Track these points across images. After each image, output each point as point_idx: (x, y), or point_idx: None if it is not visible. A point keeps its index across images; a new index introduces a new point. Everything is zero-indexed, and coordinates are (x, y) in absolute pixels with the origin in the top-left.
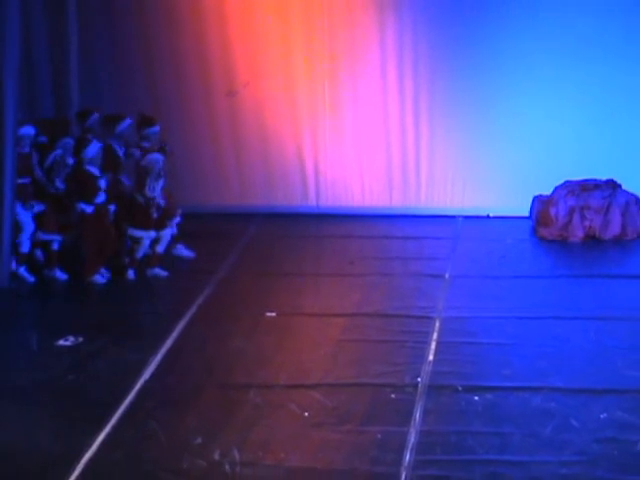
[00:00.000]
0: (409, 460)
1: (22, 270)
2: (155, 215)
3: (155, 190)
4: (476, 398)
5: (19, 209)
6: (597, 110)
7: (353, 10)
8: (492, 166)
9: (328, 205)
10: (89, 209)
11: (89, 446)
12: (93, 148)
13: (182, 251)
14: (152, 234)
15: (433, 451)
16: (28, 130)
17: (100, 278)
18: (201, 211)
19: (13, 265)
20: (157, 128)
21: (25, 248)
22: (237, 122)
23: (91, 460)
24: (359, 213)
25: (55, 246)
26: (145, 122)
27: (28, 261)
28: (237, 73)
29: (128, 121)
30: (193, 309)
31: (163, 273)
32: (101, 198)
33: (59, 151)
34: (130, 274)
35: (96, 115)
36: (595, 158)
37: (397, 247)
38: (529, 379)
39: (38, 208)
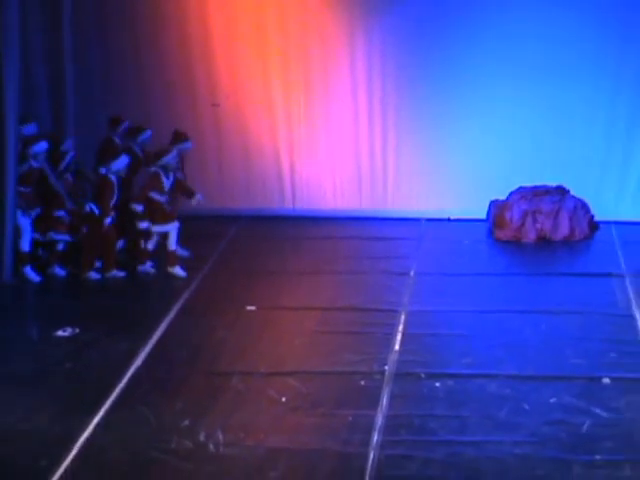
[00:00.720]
0: (377, 441)
1: (27, 269)
2: (169, 210)
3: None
4: (438, 384)
5: (19, 215)
6: (548, 123)
7: (326, 31)
8: (452, 173)
9: (303, 208)
10: (98, 211)
11: (85, 428)
12: (122, 162)
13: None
14: (167, 227)
15: (398, 433)
16: (42, 146)
17: (94, 275)
18: (187, 214)
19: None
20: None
21: (25, 248)
22: (220, 132)
23: (87, 441)
24: (332, 215)
25: (60, 246)
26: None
27: (31, 260)
28: (220, 87)
29: (149, 132)
30: (180, 303)
31: (182, 273)
32: (113, 202)
33: (72, 154)
34: (148, 267)
35: (126, 123)
36: (546, 166)
37: (366, 247)
38: (486, 367)
39: (60, 213)
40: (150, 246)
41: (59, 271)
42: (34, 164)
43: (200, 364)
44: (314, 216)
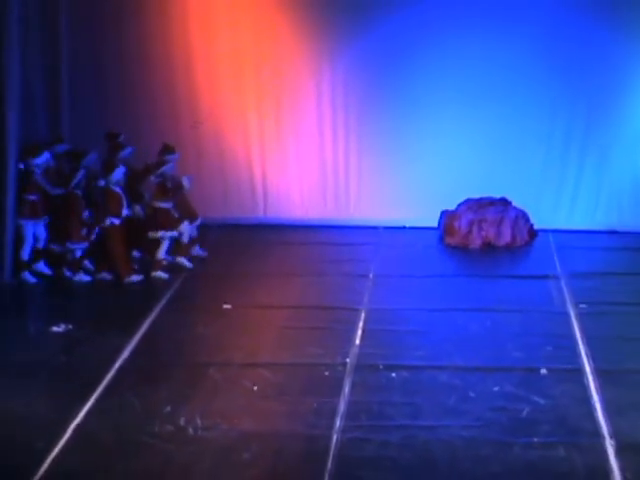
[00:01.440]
0: (339, 425)
1: (26, 274)
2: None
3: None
4: (394, 375)
5: (24, 223)
6: (492, 142)
7: (296, 58)
8: (408, 186)
9: (274, 217)
10: (117, 221)
11: (77, 413)
12: (119, 172)
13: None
14: (175, 233)
15: (359, 418)
16: (46, 157)
17: (136, 277)
18: None
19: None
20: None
21: (25, 257)
22: (200, 149)
23: (79, 425)
24: (299, 223)
25: (78, 253)
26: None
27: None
28: (201, 106)
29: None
30: (163, 302)
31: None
32: (126, 212)
33: (83, 171)
34: (161, 274)
35: (122, 137)
36: (491, 180)
37: (330, 252)
38: (437, 359)
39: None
40: (161, 254)
41: (84, 277)
42: (38, 173)
43: (181, 357)
44: (284, 224)
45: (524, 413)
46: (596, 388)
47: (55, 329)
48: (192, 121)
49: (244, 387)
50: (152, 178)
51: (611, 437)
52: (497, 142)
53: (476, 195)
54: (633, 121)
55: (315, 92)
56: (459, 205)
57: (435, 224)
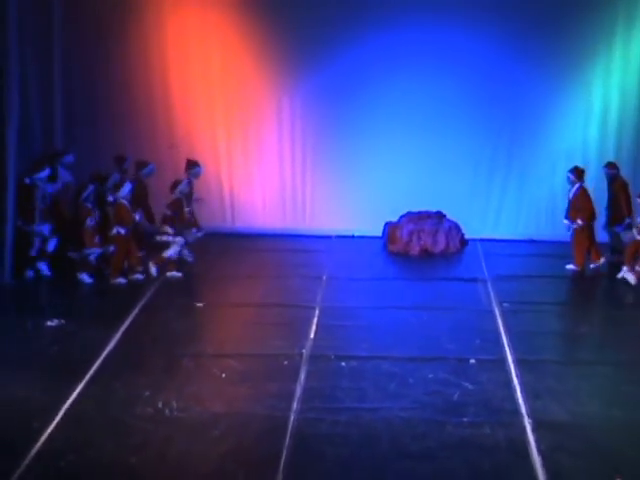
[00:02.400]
0: (296, 407)
1: (28, 272)
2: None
3: None
4: (343, 364)
5: (29, 228)
6: (430, 163)
7: (259, 89)
8: (356, 200)
9: (240, 226)
10: (122, 231)
11: (68, 397)
12: (126, 188)
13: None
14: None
15: (313, 401)
16: (45, 173)
17: (122, 280)
18: (151, 232)
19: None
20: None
21: (32, 254)
22: (176, 167)
23: (69, 408)
24: (262, 232)
25: (92, 257)
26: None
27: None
28: (176, 132)
29: (152, 166)
30: (143, 301)
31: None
32: (138, 217)
33: (91, 187)
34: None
35: (129, 159)
36: (428, 196)
37: (289, 257)
38: (380, 350)
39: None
40: (174, 255)
41: (86, 278)
42: (44, 186)
43: (159, 348)
44: (248, 232)
45: (455, 396)
46: (516, 375)
47: (49, 324)
48: (169, 143)
49: (214, 374)
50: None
51: (528, 416)
52: (433, 163)
53: (415, 209)
54: (548, 146)
55: (276, 119)
56: (401, 217)
57: (380, 233)
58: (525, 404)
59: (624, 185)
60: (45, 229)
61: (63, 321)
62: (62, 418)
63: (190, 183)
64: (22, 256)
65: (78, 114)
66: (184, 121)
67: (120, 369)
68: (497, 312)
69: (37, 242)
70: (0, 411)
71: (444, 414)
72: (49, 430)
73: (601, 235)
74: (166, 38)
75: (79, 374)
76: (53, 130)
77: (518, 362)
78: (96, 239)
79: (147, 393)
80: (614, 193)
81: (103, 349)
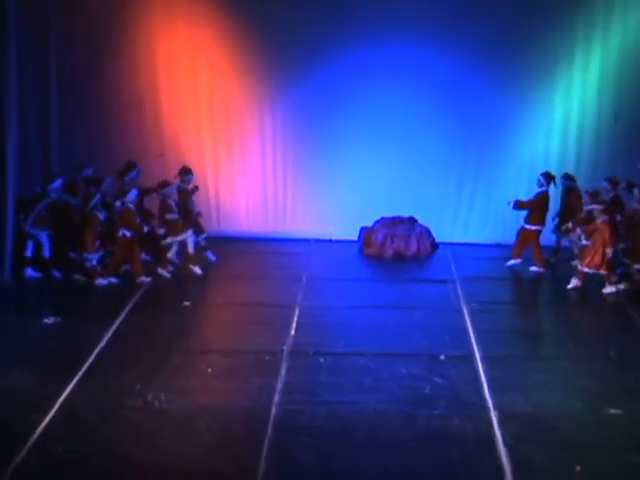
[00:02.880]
0: (277, 400)
1: (29, 270)
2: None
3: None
4: (322, 360)
5: (35, 231)
6: (403, 172)
7: (243, 104)
8: (334, 206)
9: (225, 230)
10: (128, 234)
11: (64, 390)
12: (133, 194)
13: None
14: (183, 237)
15: (293, 394)
16: (59, 183)
17: (115, 279)
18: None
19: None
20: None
21: (46, 255)
22: (164, 175)
23: (65, 399)
24: (245, 236)
25: (94, 261)
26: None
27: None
28: (165, 142)
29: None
30: (134, 300)
31: (199, 271)
32: (146, 228)
33: (99, 196)
34: (166, 271)
35: (137, 170)
36: (401, 203)
37: (271, 259)
38: (357, 347)
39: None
40: (172, 255)
41: (103, 281)
42: (52, 196)
43: (148, 344)
44: (233, 236)
45: (426, 390)
46: (483, 370)
47: (46, 321)
48: (159, 152)
49: (200, 369)
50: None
51: (495, 409)
52: (406, 172)
53: (389, 214)
54: (513, 157)
55: (259, 130)
56: (375, 222)
57: (356, 238)
58: (491, 397)
59: (579, 196)
60: (42, 236)
61: (59, 319)
62: (59, 409)
63: (180, 189)
64: (19, 257)
65: (73, 127)
66: (174, 133)
67: (112, 364)
68: (465, 311)
69: (31, 244)
70: (1, 402)
71: (416, 407)
72: (46, 421)
73: (548, 239)
74: (157, 56)
75: (74, 368)
76: (50, 146)
77: (485, 358)
78: (97, 244)
79: (138, 386)
80: (570, 203)
81: (96, 345)
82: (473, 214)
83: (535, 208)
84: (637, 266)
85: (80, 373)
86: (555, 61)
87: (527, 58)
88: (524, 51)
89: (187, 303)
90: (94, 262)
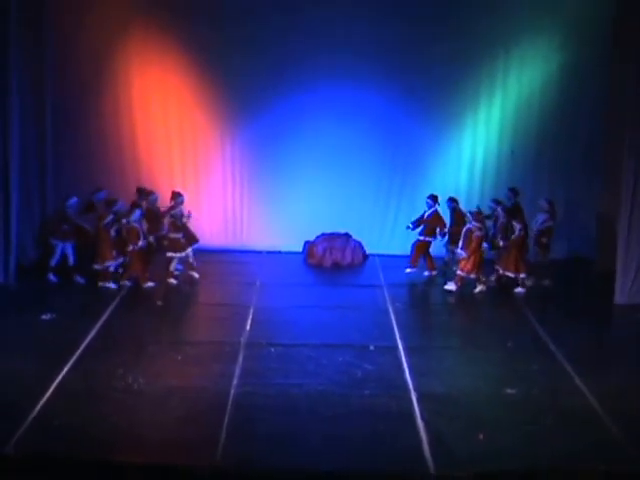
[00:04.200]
0: (236, 383)
1: (51, 276)
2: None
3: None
4: (273, 350)
5: (56, 242)
6: (340, 194)
7: (207, 137)
8: (283, 223)
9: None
10: (136, 247)
11: (57, 376)
12: (137, 214)
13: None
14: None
15: (249, 378)
16: (74, 201)
17: (151, 284)
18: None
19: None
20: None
21: (53, 264)
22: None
23: (60, 381)
24: (208, 248)
25: (112, 268)
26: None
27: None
28: (141, 170)
29: (155, 195)
30: (116, 301)
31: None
32: (143, 243)
33: (112, 216)
34: (172, 281)
35: (155, 195)
36: (338, 220)
37: (229, 268)
38: (302, 339)
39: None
40: (173, 268)
41: (113, 285)
42: (69, 212)
43: (129, 337)
44: (197, 248)
45: (359, 375)
46: (405, 358)
47: (44, 317)
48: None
49: (171, 357)
50: (168, 218)
51: (414, 390)
52: (343, 194)
53: (328, 230)
54: (430, 181)
55: (221, 157)
56: (317, 237)
57: (301, 250)
58: (412, 380)
59: (462, 215)
60: (67, 247)
61: (55, 315)
62: (54, 389)
63: (149, 210)
64: (44, 265)
65: (65, 160)
66: (147, 162)
67: (99, 352)
68: (391, 310)
69: (57, 255)
70: (4, 384)
71: (350, 388)
72: (43, 401)
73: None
74: (132, 95)
75: (67, 355)
76: (45, 170)
77: (407, 348)
78: (114, 253)
79: (120, 371)
80: (456, 221)
81: (85, 337)
82: (397, 230)
83: (428, 224)
84: (506, 272)
85: (72, 360)
86: (464, 106)
87: (442, 97)
88: (441, 91)
89: (160, 303)
90: (112, 268)
